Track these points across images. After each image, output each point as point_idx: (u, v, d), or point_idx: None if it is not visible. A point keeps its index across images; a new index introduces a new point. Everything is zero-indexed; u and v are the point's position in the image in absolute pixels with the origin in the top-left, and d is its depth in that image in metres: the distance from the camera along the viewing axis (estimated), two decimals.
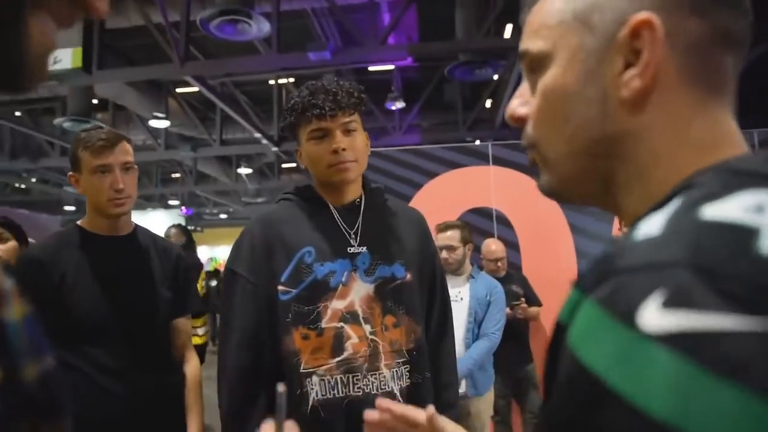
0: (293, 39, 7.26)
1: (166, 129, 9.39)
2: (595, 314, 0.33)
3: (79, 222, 1.61)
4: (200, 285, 4.18)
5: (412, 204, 3.55)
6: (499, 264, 3.25)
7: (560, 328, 0.38)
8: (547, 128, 0.49)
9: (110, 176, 1.52)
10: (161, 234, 1.89)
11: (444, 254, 2.76)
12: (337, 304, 1.25)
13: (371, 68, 8.28)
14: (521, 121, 0.52)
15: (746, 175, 0.37)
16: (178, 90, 8.92)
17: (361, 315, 1.26)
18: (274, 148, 10.06)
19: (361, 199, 1.37)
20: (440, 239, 2.80)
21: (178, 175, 14.02)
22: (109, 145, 1.52)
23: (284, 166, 13.52)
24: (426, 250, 1.43)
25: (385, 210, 1.41)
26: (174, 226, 4.13)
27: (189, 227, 15.23)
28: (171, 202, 16.74)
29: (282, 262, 1.26)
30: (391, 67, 8.03)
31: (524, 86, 0.52)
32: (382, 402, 0.83)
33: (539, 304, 3.36)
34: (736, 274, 0.29)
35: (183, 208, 15.90)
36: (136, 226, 1.68)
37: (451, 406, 1.40)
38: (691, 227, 0.33)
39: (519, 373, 3.25)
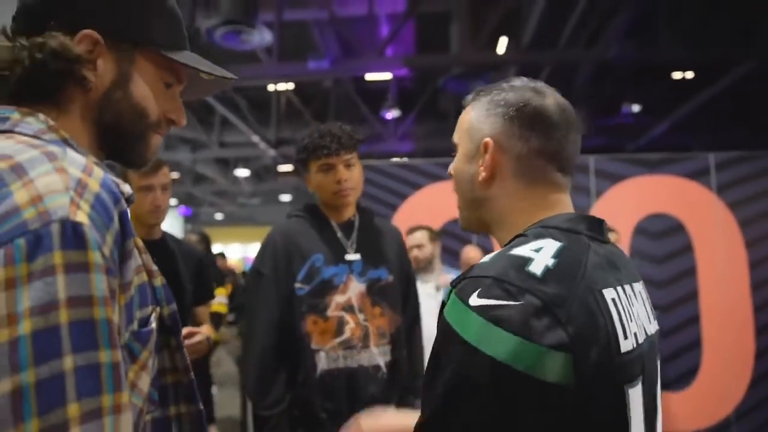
0: (294, 47, 7.50)
1: None
2: (453, 297, 0.70)
3: None
4: (226, 289, 4.47)
5: (399, 213, 3.82)
6: None
7: (444, 304, 0.72)
8: (455, 188, 0.89)
9: (152, 195, 1.84)
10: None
11: (414, 252, 3.07)
12: (339, 298, 1.63)
13: (368, 77, 8.52)
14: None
15: (550, 228, 0.75)
16: None
17: (356, 307, 1.65)
18: (272, 152, 10.30)
19: (355, 217, 1.75)
20: (410, 240, 3.09)
21: (176, 175, 14.21)
22: (153, 170, 1.84)
23: (280, 169, 13.73)
24: (403, 258, 1.83)
25: (373, 226, 1.78)
26: (196, 233, 4.48)
27: (187, 227, 15.35)
28: (170, 202, 16.89)
29: (298, 264, 1.63)
30: (388, 76, 8.27)
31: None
32: None
33: None
34: (512, 281, 0.67)
35: (181, 207, 16.07)
36: (164, 232, 1.99)
37: (421, 375, 1.78)
38: (502, 258, 0.71)
39: None
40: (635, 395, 0.69)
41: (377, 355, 1.64)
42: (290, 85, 9.25)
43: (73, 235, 0.54)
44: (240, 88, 8.97)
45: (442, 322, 0.70)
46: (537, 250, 0.70)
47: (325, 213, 1.72)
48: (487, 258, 0.73)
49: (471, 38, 7.22)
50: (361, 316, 1.64)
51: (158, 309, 0.72)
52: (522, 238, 0.75)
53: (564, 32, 6.47)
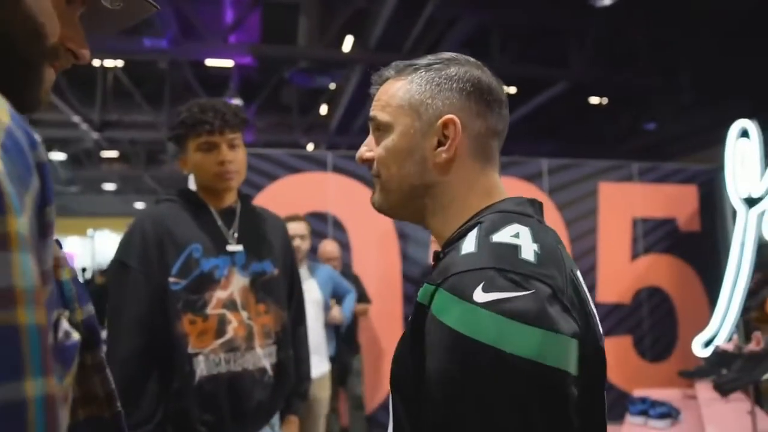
0: None
1: None
2: (447, 297, 0.61)
3: None
4: None
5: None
6: (334, 263, 3.52)
7: (421, 307, 0.64)
8: (386, 171, 0.77)
9: None
10: None
11: (297, 242, 2.93)
12: (220, 294, 1.45)
13: (209, 63, 8.09)
14: (368, 161, 0.80)
15: (509, 213, 0.70)
16: None
17: (239, 303, 1.47)
18: (95, 135, 9.32)
19: (236, 204, 1.58)
20: (291, 229, 2.96)
21: None
22: None
23: (104, 155, 12.49)
24: (288, 250, 1.68)
25: (255, 214, 1.62)
26: None
27: None
28: None
29: (172, 256, 1.42)
30: (230, 64, 7.94)
31: (370, 138, 0.80)
32: None
33: (368, 301, 3.69)
34: (514, 269, 0.60)
35: None
36: None
37: (306, 377, 1.71)
38: (489, 247, 0.64)
39: (348, 364, 3.54)
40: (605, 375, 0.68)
41: (263, 357, 1.48)
42: (119, 62, 8.45)
43: None
44: None
45: (437, 327, 0.60)
46: (516, 236, 0.64)
47: (203, 198, 1.53)
48: (466, 249, 0.65)
49: (318, 33, 7.24)
50: (244, 314, 1.47)
51: (67, 313, 0.50)
52: (487, 224, 0.68)
53: (409, 38, 6.76)
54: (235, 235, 1.52)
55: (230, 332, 1.44)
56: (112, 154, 12.41)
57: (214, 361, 1.41)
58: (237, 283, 1.48)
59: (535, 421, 0.56)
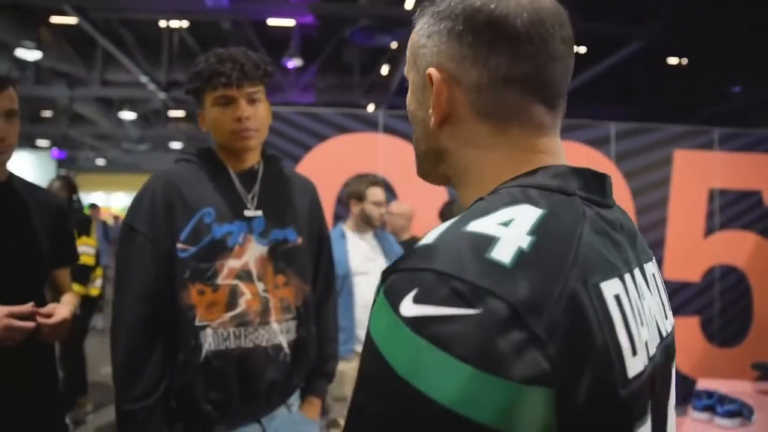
0: None
1: (36, 62, 8.55)
2: (381, 300, 0.47)
3: None
4: (93, 239, 3.96)
5: (301, 165, 3.62)
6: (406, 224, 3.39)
7: (374, 304, 0.50)
8: (413, 131, 0.65)
9: None
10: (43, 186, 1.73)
11: (382, 209, 2.77)
12: (233, 263, 1.34)
13: (270, 22, 8.05)
14: None
15: (528, 187, 0.52)
16: (54, 19, 8.14)
17: (254, 274, 1.36)
18: (162, 95, 9.55)
19: (259, 166, 1.44)
20: (377, 194, 2.77)
21: (49, 114, 12.85)
22: None
23: (171, 114, 12.84)
24: (316, 217, 1.54)
25: (281, 177, 1.48)
26: (58, 178, 3.90)
27: (61, 171, 14.06)
28: (40, 143, 15.33)
29: (182, 220, 1.31)
30: (291, 23, 7.86)
31: None
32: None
33: None
34: (463, 276, 0.43)
35: (54, 150, 14.57)
36: (12, 174, 1.50)
37: (332, 357, 1.59)
38: (451, 236, 0.47)
39: None
40: None
41: (279, 333, 1.37)
42: (184, 23, 8.55)
43: None
44: (126, 21, 8.14)
45: (367, 336, 0.47)
46: (506, 224, 0.47)
47: (222, 159, 1.41)
48: (431, 235, 0.49)
49: None
50: (260, 286, 1.36)
51: None
52: (484, 203, 0.51)
53: None
54: (255, 199, 1.40)
55: (242, 305, 1.33)
56: (179, 113, 12.75)
57: (222, 335, 1.31)
58: (253, 252, 1.36)
59: None
